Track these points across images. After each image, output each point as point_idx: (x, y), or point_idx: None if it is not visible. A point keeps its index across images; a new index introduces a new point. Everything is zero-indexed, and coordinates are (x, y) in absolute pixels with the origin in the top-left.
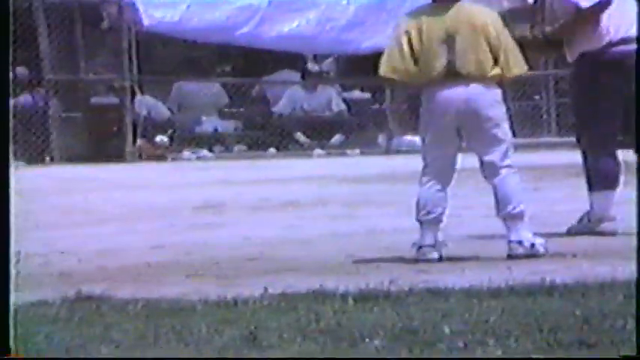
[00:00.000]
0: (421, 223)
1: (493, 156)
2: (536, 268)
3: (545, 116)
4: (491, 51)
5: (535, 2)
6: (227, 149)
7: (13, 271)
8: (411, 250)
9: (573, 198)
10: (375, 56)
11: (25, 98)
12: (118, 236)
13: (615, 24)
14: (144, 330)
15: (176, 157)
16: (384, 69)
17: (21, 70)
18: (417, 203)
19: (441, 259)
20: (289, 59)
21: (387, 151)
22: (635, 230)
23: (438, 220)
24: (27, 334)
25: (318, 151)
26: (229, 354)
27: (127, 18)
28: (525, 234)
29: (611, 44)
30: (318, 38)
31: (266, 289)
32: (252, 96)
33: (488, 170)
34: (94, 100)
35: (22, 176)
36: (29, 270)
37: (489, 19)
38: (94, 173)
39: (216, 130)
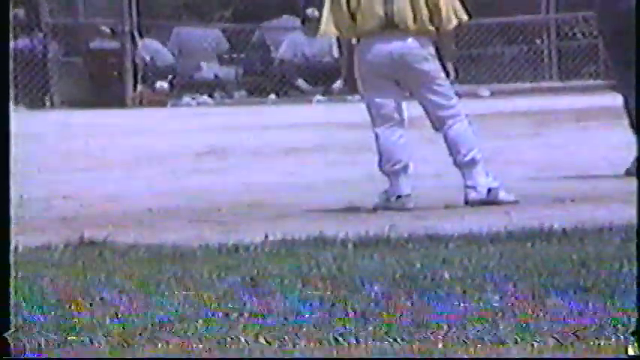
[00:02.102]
0: (389, 173)
1: (435, 108)
2: (535, 213)
3: (546, 60)
4: (429, 3)
5: None
6: (227, 95)
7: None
8: (384, 199)
9: (574, 142)
10: None
11: (23, 42)
12: (119, 182)
13: None
14: (146, 275)
15: (176, 103)
16: (323, 27)
17: (19, 13)
18: (380, 155)
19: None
20: (289, 4)
21: None
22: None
23: (407, 168)
24: (29, 278)
25: (318, 97)
26: (230, 299)
27: None
28: (481, 179)
29: None
30: None
31: (266, 235)
32: (252, 42)
33: (434, 122)
34: (93, 44)
35: (22, 120)
36: (31, 214)
37: None
38: (94, 118)
39: (216, 76)
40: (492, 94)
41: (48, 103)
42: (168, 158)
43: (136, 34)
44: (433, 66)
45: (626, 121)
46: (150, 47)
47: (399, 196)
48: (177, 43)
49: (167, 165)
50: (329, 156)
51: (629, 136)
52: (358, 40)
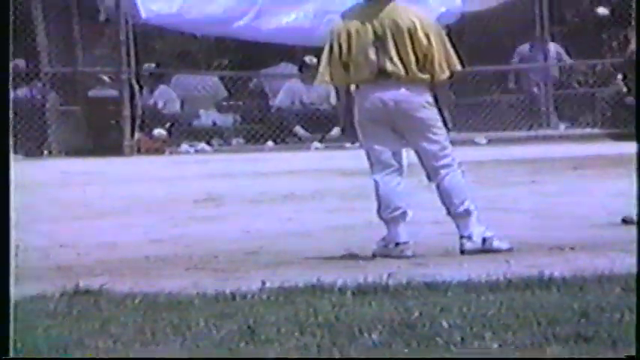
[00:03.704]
0: (388, 220)
1: (430, 157)
2: (534, 261)
3: (543, 108)
4: (418, 53)
5: None
6: (225, 142)
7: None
8: (382, 246)
9: (571, 191)
10: None
11: (22, 91)
12: (116, 230)
13: None
14: (142, 324)
15: (174, 150)
16: (319, 76)
17: (19, 63)
18: (378, 202)
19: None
20: (287, 52)
21: None
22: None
23: (405, 215)
24: (26, 328)
25: (316, 144)
26: (227, 348)
27: (124, 10)
28: (475, 229)
29: None
30: (316, 31)
31: (264, 282)
32: (250, 89)
33: (428, 171)
34: (92, 92)
35: (20, 169)
36: (28, 263)
37: (417, 20)
38: (92, 167)
39: (214, 123)
40: (489, 141)
41: (46, 152)
42: (165, 206)
43: (133, 82)
44: (429, 114)
45: (622, 170)
46: (164, 94)
47: (397, 244)
48: (176, 90)
49: (164, 212)
50: (327, 203)
51: (627, 184)
52: (357, 87)
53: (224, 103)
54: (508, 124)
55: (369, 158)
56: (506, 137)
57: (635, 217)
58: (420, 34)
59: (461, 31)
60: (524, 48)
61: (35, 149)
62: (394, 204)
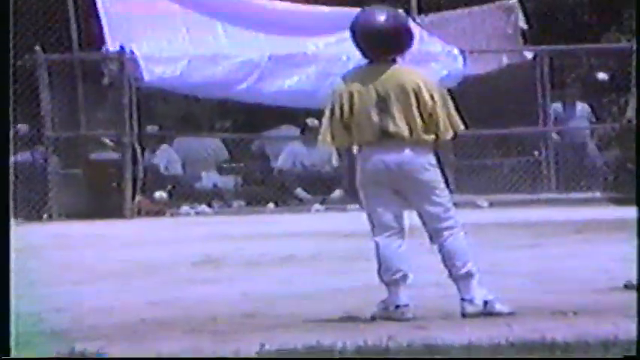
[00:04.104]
0: (388, 283)
1: (433, 219)
2: (537, 325)
3: (544, 172)
4: (423, 114)
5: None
6: (226, 204)
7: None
8: (382, 308)
9: (573, 255)
10: None
11: (23, 156)
12: (114, 293)
13: None
14: None
15: (175, 212)
16: (321, 139)
17: (22, 128)
18: (379, 264)
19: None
20: (289, 114)
21: None
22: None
23: (406, 278)
24: None
25: (317, 206)
26: None
27: (128, 74)
28: (477, 292)
29: None
30: (317, 93)
31: (263, 345)
32: (251, 151)
33: (431, 233)
34: (93, 155)
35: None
36: (23, 329)
37: (421, 81)
38: (92, 230)
39: (215, 185)
40: (491, 204)
41: (46, 216)
42: (164, 268)
43: (136, 145)
44: (432, 176)
45: (624, 234)
46: (165, 155)
47: (397, 306)
48: (179, 153)
49: (163, 275)
50: (326, 265)
51: (629, 249)
52: (359, 149)
53: (225, 165)
54: (510, 186)
55: (370, 220)
56: (508, 200)
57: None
58: (425, 95)
59: (463, 95)
60: (558, 106)
61: (35, 213)
62: (395, 266)
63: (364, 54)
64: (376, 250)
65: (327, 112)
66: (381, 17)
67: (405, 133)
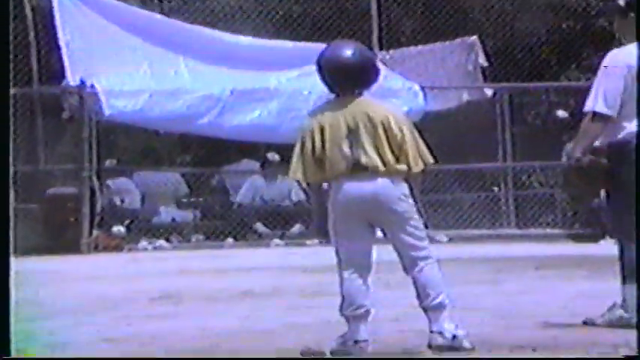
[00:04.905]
0: (349, 318)
1: (409, 249)
2: None
3: (503, 208)
4: (393, 146)
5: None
6: (184, 239)
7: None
8: (341, 343)
9: (532, 290)
10: None
11: None
12: (68, 329)
13: (629, 116)
14: None
15: (133, 247)
16: (291, 174)
17: None
18: (343, 299)
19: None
20: (250, 149)
21: None
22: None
23: (368, 314)
24: None
25: (276, 240)
26: None
27: (88, 108)
28: (447, 325)
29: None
30: (279, 128)
31: None
32: (211, 185)
33: (405, 263)
34: (50, 190)
35: None
36: None
37: (390, 114)
38: (47, 266)
39: (173, 219)
40: (450, 239)
41: None
42: (120, 304)
43: (94, 179)
44: (407, 206)
45: (583, 271)
46: (121, 187)
47: (356, 341)
48: (138, 187)
49: (119, 311)
50: (285, 300)
51: (588, 286)
52: (330, 183)
53: (184, 200)
54: (469, 222)
55: (337, 254)
56: (468, 235)
57: (595, 320)
58: (394, 127)
59: (423, 130)
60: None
61: None
62: (359, 302)
63: (331, 88)
64: (340, 284)
65: (298, 148)
66: (349, 51)
67: (378, 164)
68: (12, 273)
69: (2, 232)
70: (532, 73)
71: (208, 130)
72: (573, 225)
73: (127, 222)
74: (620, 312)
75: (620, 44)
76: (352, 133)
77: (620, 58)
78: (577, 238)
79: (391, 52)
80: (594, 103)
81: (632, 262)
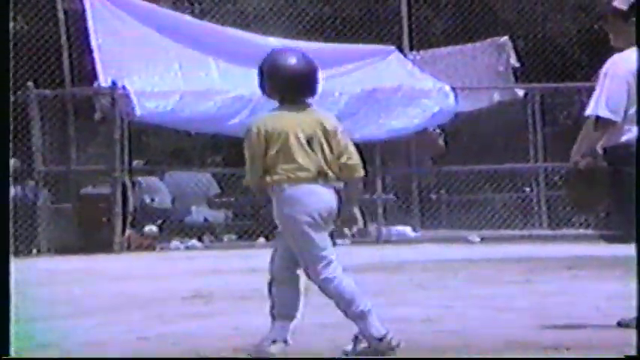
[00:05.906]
0: (276, 317)
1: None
2: None
3: (536, 208)
4: (338, 154)
5: (525, 96)
6: (216, 239)
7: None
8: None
9: (565, 291)
10: (368, 146)
11: (14, 190)
12: (102, 328)
13: (630, 120)
14: None
15: (165, 247)
16: (245, 181)
17: (13, 162)
18: (278, 300)
19: None
20: None
21: (377, 241)
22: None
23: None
24: None
25: None
26: None
27: (119, 109)
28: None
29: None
30: None
31: None
32: (242, 185)
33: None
34: (83, 190)
35: None
36: None
37: (338, 125)
38: (80, 264)
39: (205, 219)
40: (483, 240)
41: (35, 250)
42: (153, 303)
43: (126, 178)
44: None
45: (616, 272)
46: (151, 186)
47: (279, 341)
48: (169, 187)
49: (152, 310)
50: (317, 299)
51: (621, 286)
52: (285, 188)
53: (216, 200)
54: (501, 222)
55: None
56: (500, 235)
57: (630, 322)
58: (339, 136)
59: (455, 131)
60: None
61: (24, 248)
62: (290, 305)
63: (275, 95)
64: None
65: (250, 155)
66: (301, 59)
67: (335, 171)
68: (44, 272)
69: (2, 232)
70: (563, 74)
71: (239, 130)
72: (606, 226)
73: (159, 222)
74: None
75: (612, 47)
76: (309, 141)
77: (621, 63)
78: (609, 238)
79: (421, 52)
80: (597, 107)
81: None
